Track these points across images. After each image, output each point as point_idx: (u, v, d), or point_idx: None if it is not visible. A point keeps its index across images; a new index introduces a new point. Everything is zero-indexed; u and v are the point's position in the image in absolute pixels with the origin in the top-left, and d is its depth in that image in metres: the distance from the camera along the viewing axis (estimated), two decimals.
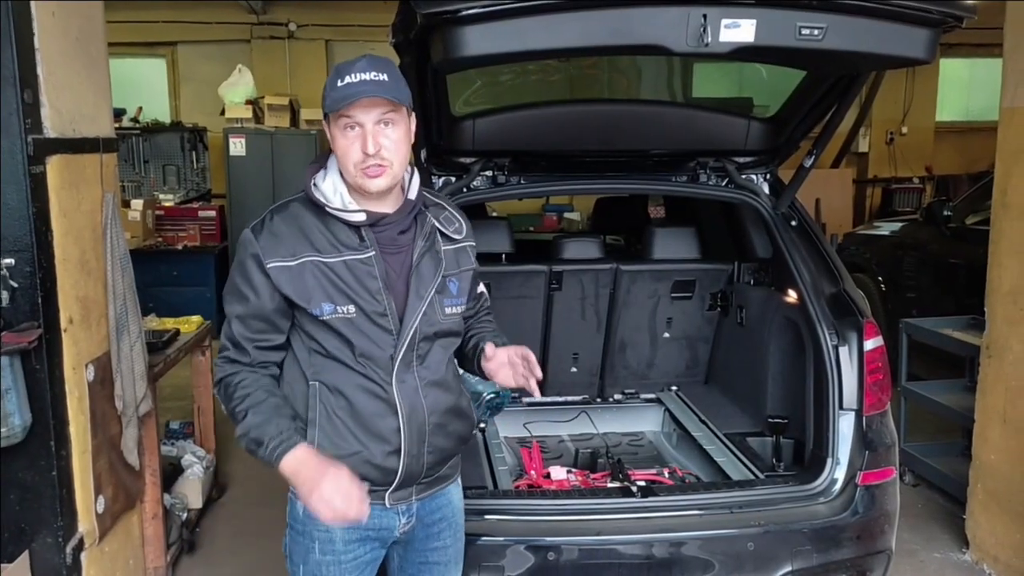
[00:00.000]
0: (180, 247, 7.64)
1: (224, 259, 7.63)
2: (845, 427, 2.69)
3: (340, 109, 1.77)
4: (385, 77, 1.78)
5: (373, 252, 1.84)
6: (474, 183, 3.06)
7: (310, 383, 1.87)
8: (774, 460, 3.00)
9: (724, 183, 3.24)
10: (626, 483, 2.74)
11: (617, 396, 3.71)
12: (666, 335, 3.70)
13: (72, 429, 2.65)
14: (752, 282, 3.51)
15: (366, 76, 1.76)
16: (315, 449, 1.80)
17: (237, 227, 7.79)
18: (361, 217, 1.84)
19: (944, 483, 4.19)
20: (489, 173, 3.09)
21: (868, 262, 6.21)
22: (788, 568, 2.50)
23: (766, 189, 3.24)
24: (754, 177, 3.24)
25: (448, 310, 1.94)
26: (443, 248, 1.94)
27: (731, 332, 3.64)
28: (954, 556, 3.74)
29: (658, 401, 3.65)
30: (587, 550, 2.47)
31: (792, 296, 3.04)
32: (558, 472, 2.92)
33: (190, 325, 4.01)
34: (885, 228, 6.45)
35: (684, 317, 3.68)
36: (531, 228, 8.19)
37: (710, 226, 3.78)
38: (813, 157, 3.02)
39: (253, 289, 1.83)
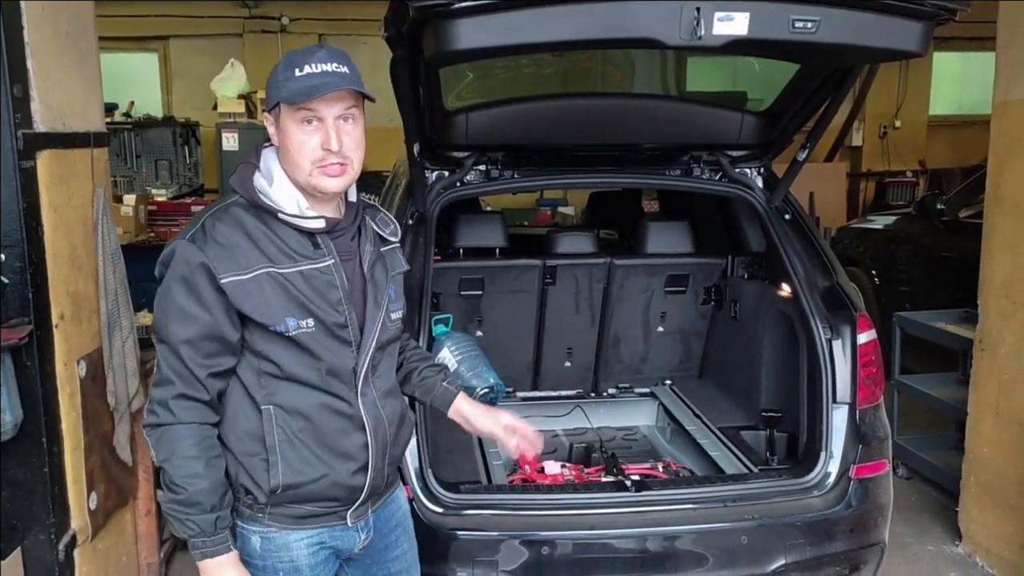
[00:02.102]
0: None
1: None
2: (838, 420, 2.70)
3: (303, 101, 1.65)
4: (346, 69, 1.68)
5: (332, 260, 1.73)
6: (467, 177, 3.05)
7: (262, 408, 1.72)
8: (768, 454, 3.01)
9: (718, 177, 3.24)
10: (620, 477, 2.74)
11: (611, 390, 3.72)
12: (660, 329, 3.70)
13: (64, 426, 2.63)
14: (746, 276, 3.51)
15: (328, 67, 1.65)
16: (238, 558, 1.74)
17: None
18: (320, 224, 1.73)
19: (937, 476, 4.19)
20: (482, 167, 3.08)
21: (861, 256, 6.20)
22: (782, 561, 2.51)
23: (760, 183, 3.23)
24: (748, 171, 3.23)
25: (393, 315, 1.87)
26: (382, 251, 1.89)
27: (725, 326, 3.64)
28: (947, 548, 3.75)
29: (652, 395, 3.65)
30: (581, 544, 2.47)
31: (786, 290, 3.04)
32: (552, 467, 2.92)
33: None
34: (878, 222, 6.44)
35: (678, 311, 3.68)
36: (525, 223, 8.17)
37: (704, 220, 3.78)
38: (807, 151, 3.01)
39: (204, 307, 1.65)
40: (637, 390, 3.71)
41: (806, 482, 2.65)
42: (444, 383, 2.07)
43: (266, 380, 1.72)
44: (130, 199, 7.63)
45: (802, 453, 2.84)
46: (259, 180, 1.74)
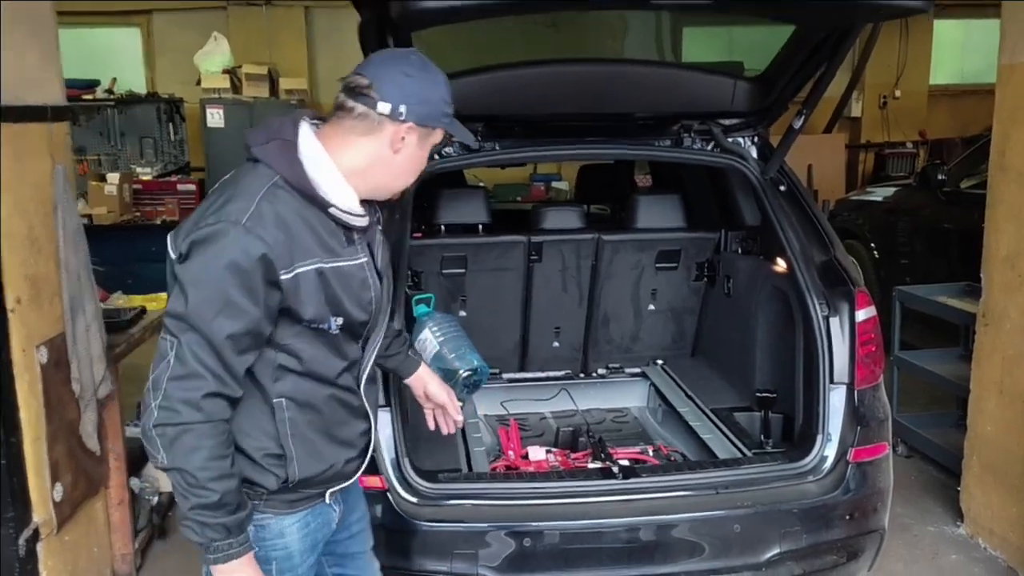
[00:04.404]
0: (159, 221, 7.46)
1: None
2: (836, 402, 2.58)
3: (463, 141, 1.76)
4: None
5: (365, 259, 1.69)
6: (445, 150, 2.90)
7: (274, 401, 1.64)
8: (762, 436, 2.89)
9: (710, 147, 3.09)
10: (607, 463, 2.62)
11: (601, 371, 3.60)
12: (651, 307, 3.57)
13: (23, 415, 2.54)
14: (740, 251, 3.38)
15: None
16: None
17: None
18: (364, 222, 1.68)
19: (938, 455, 4.09)
20: None
21: (860, 228, 6.09)
22: (776, 550, 2.40)
23: (754, 153, 3.09)
24: (741, 140, 3.09)
25: None
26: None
27: (718, 303, 3.51)
28: (948, 530, 3.64)
29: (643, 375, 3.53)
30: (566, 535, 2.35)
31: (781, 265, 2.91)
32: (537, 452, 2.80)
33: (159, 302, 3.86)
34: (878, 194, 6.32)
35: (669, 288, 3.55)
36: (519, 198, 8.01)
37: (696, 193, 3.63)
38: (803, 118, 2.87)
39: (255, 302, 1.52)
40: (628, 370, 3.59)
41: (802, 466, 2.53)
42: (410, 352, 2.15)
43: (280, 373, 1.64)
44: (114, 178, 7.53)
45: (798, 436, 2.71)
46: (309, 166, 1.60)
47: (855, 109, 9.92)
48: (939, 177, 5.28)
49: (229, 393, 1.55)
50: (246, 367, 1.58)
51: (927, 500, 3.89)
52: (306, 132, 1.62)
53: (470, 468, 2.68)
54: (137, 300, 3.82)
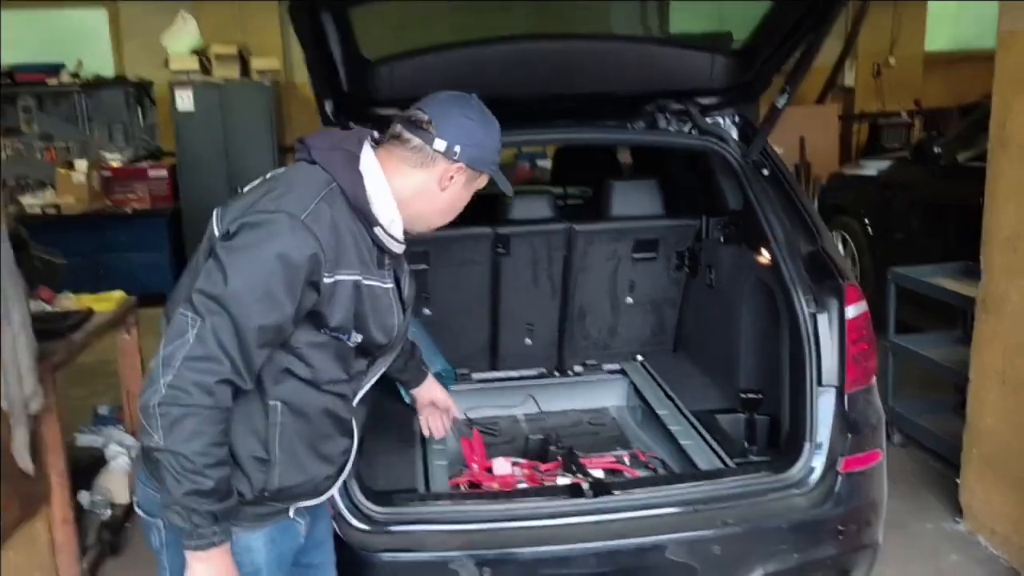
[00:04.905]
0: (129, 210, 7.21)
1: (177, 222, 7.18)
2: (825, 406, 2.36)
3: (505, 191, 1.78)
4: None
5: (391, 285, 1.70)
6: None
7: (269, 403, 1.62)
8: (746, 443, 2.68)
9: (687, 128, 2.86)
10: (577, 477, 2.41)
11: (577, 368, 3.37)
12: (629, 300, 3.35)
13: None
14: (722, 239, 3.14)
15: None
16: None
17: (189, 187, 7.32)
18: (401, 248, 1.71)
19: (934, 443, 3.91)
20: None
21: (854, 204, 5.87)
22: (760, 571, 2.20)
23: (735, 134, 2.86)
24: (720, 120, 2.85)
25: None
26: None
27: (700, 295, 3.29)
28: (947, 526, 3.45)
29: (622, 372, 3.31)
30: (529, 562, 2.15)
31: (765, 256, 2.68)
32: (502, 466, 2.58)
33: (109, 302, 3.64)
34: (872, 167, 6.06)
35: (648, 279, 3.32)
36: None
37: (676, 176, 3.39)
38: (786, 96, 2.63)
39: (293, 298, 1.52)
40: (606, 367, 3.36)
41: (788, 479, 2.32)
42: (421, 366, 2.24)
43: (283, 376, 1.62)
44: (82, 165, 7.26)
45: (784, 443, 2.51)
46: (368, 183, 1.63)
47: (848, 78, 9.64)
48: (935, 150, 5.05)
49: (240, 384, 1.53)
50: (261, 362, 1.56)
51: (924, 493, 3.70)
52: (368, 151, 1.66)
53: (427, 486, 2.47)
54: (86, 300, 3.60)
